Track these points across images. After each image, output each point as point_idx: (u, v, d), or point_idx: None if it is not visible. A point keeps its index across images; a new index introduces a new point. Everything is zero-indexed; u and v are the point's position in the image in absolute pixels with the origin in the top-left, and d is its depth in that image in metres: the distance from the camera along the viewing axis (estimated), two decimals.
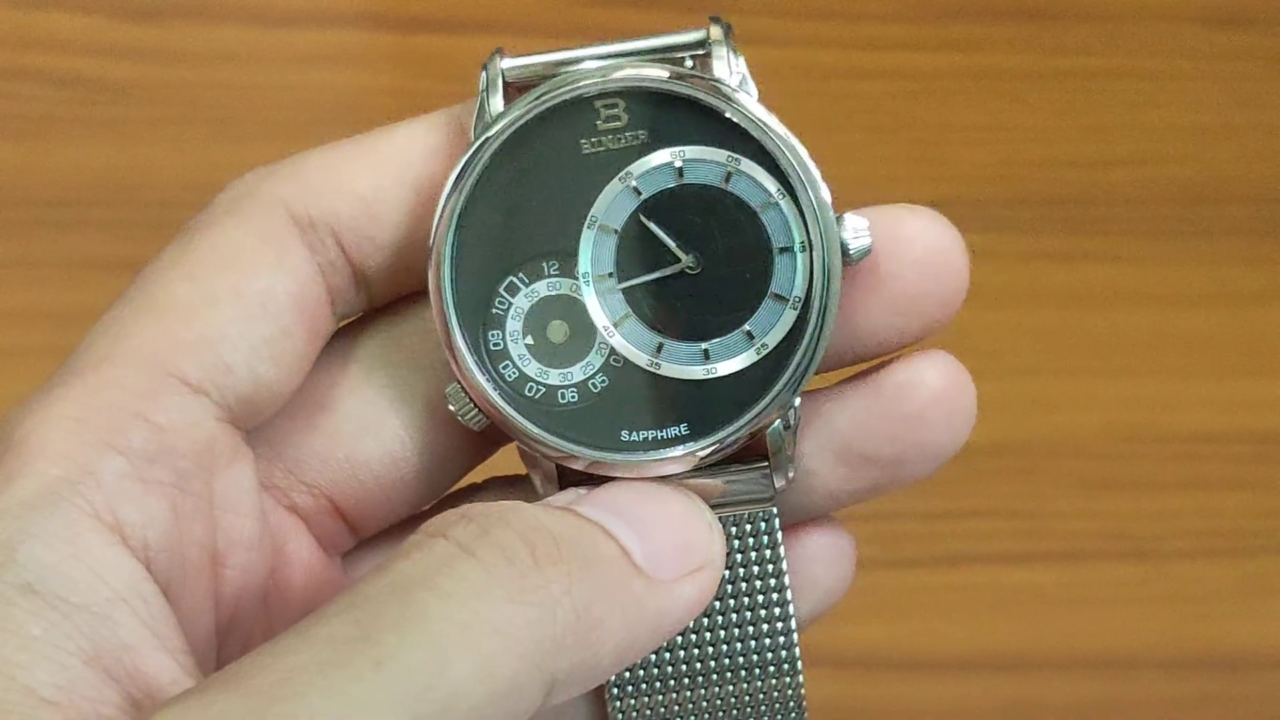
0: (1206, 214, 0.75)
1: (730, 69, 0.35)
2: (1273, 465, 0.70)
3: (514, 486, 0.38)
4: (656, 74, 0.34)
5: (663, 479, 0.35)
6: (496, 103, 0.35)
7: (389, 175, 0.35)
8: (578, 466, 0.35)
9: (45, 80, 0.75)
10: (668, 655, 0.36)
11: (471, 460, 0.37)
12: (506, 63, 0.35)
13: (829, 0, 0.80)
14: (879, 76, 0.78)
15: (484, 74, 0.35)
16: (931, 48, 0.79)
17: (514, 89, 0.35)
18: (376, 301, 0.36)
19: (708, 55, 0.35)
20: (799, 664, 0.36)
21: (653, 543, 0.32)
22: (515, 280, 0.35)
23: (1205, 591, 0.67)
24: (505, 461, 0.38)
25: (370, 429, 0.36)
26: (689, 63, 0.35)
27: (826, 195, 0.34)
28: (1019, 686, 0.65)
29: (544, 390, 0.35)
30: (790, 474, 0.36)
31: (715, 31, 0.35)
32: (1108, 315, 0.73)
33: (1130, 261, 0.74)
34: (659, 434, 0.35)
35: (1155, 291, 0.73)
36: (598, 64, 0.35)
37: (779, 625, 0.36)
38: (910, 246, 0.35)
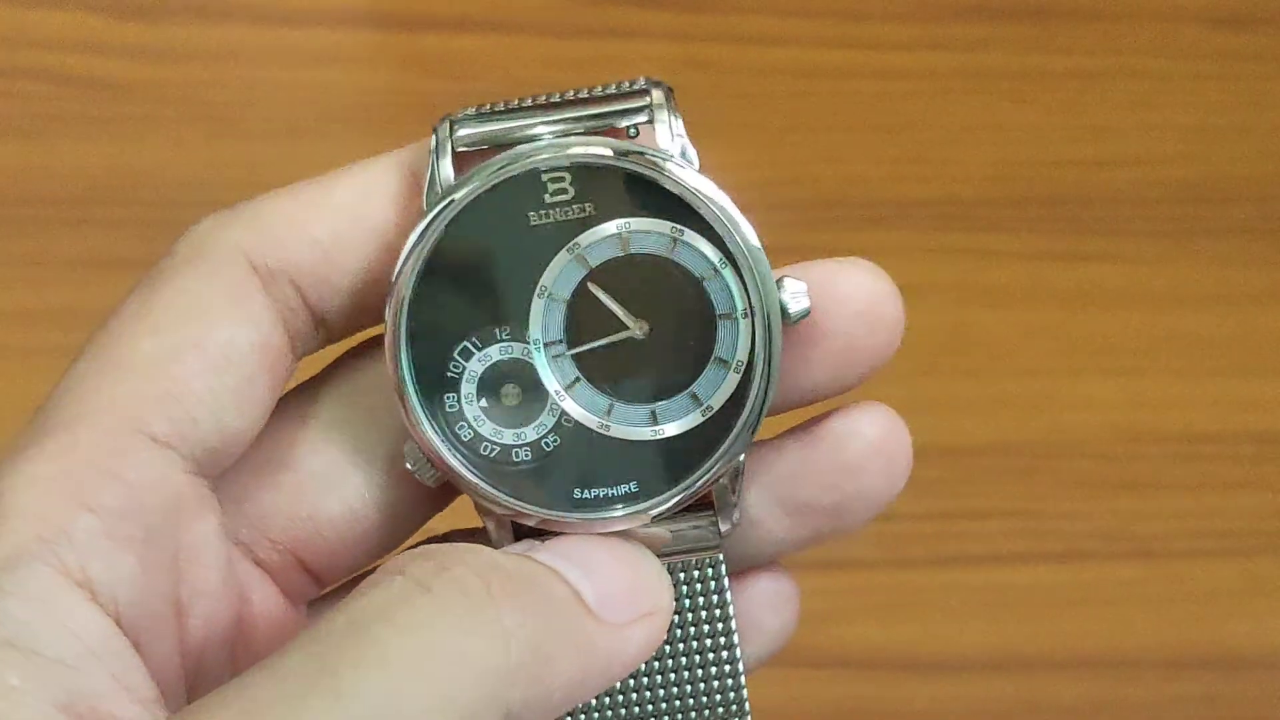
0: (1208, 214, 0.75)
1: (672, 133, 0.35)
2: (1275, 465, 0.70)
3: (475, 537, 0.38)
4: (600, 151, 0.35)
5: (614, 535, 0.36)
6: (446, 169, 0.35)
7: (345, 221, 0.36)
8: (530, 523, 0.36)
9: (46, 79, 0.75)
10: (620, 698, 0.37)
11: (430, 511, 0.38)
12: (459, 132, 0.36)
13: (830, 0, 0.80)
14: (880, 76, 0.78)
15: (434, 137, 0.36)
16: (933, 48, 0.79)
17: (463, 155, 0.36)
18: (335, 338, 0.37)
19: (650, 120, 0.36)
20: (746, 705, 0.37)
21: (604, 588, 0.34)
22: (469, 345, 0.36)
23: (1207, 591, 0.67)
24: (468, 511, 0.38)
25: (332, 487, 0.37)
26: (633, 130, 0.36)
27: (765, 264, 0.35)
28: (1021, 687, 0.65)
29: (498, 449, 0.36)
30: (735, 518, 0.37)
31: (657, 95, 0.36)
32: (1109, 315, 0.73)
33: (1132, 261, 0.74)
34: (610, 492, 0.36)
35: (1157, 291, 0.73)
36: (545, 130, 0.35)
37: (726, 669, 0.37)
38: (847, 302, 0.36)
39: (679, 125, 0.35)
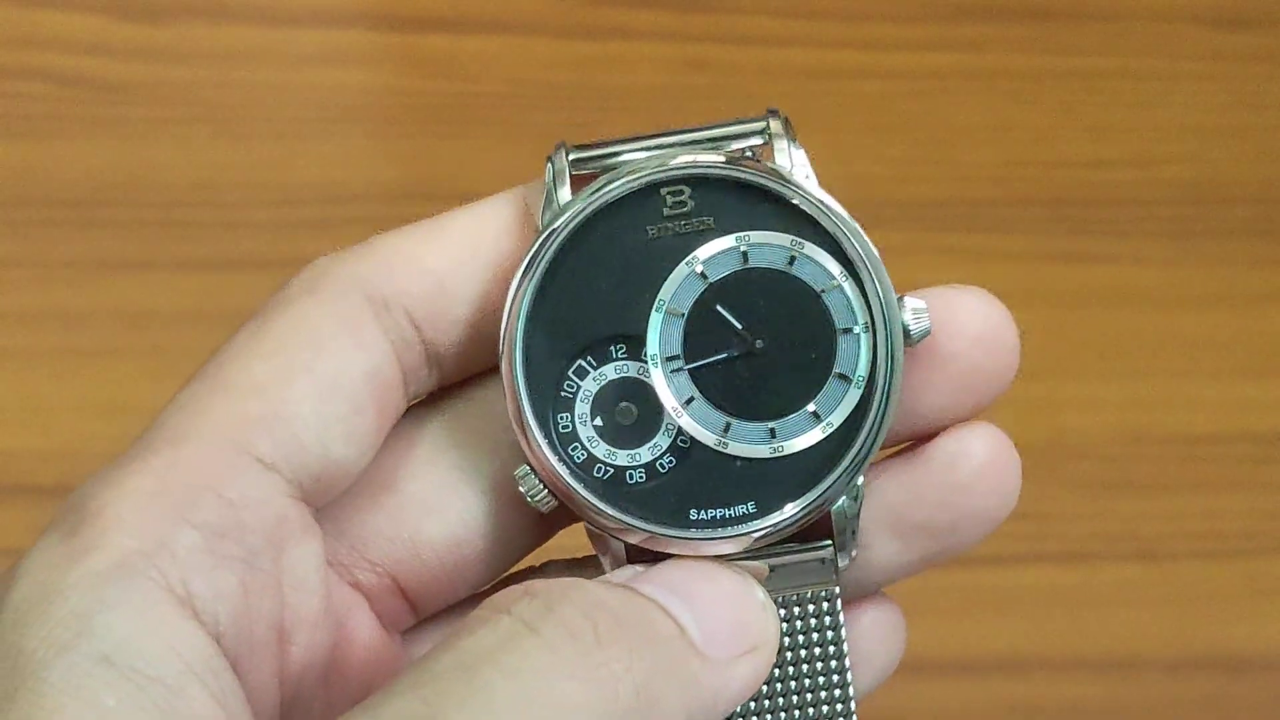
0: (1210, 215, 0.75)
1: (791, 160, 0.35)
2: (1277, 466, 0.70)
3: (572, 569, 0.38)
4: (714, 159, 0.35)
5: (722, 557, 0.35)
6: (564, 194, 0.35)
7: (461, 253, 0.36)
8: (644, 544, 0.35)
9: (50, 79, 0.75)
10: None
11: (533, 543, 0.38)
12: (572, 156, 0.36)
13: (831, 1, 0.80)
14: (883, 77, 0.78)
15: (550, 166, 0.36)
16: (935, 48, 0.79)
17: (578, 180, 0.36)
18: (447, 380, 0.37)
19: (767, 145, 0.36)
20: None
21: (708, 622, 0.33)
22: (583, 364, 0.35)
23: (1210, 592, 0.67)
24: (564, 544, 0.38)
25: (435, 510, 0.36)
26: (749, 152, 0.36)
27: (887, 277, 0.35)
28: (1024, 687, 0.65)
29: (612, 471, 0.35)
30: (853, 553, 0.36)
31: (775, 125, 0.36)
32: (1112, 316, 0.73)
33: (1134, 262, 0.74)
34: (727, 512, 0.35)
35: (1159, 292, 0.73)
36: (659, 153, 0.35)
37: (839, 706, 0.36)
38: (967, 325, 0.35)
39: (800, 156, 0.35)
